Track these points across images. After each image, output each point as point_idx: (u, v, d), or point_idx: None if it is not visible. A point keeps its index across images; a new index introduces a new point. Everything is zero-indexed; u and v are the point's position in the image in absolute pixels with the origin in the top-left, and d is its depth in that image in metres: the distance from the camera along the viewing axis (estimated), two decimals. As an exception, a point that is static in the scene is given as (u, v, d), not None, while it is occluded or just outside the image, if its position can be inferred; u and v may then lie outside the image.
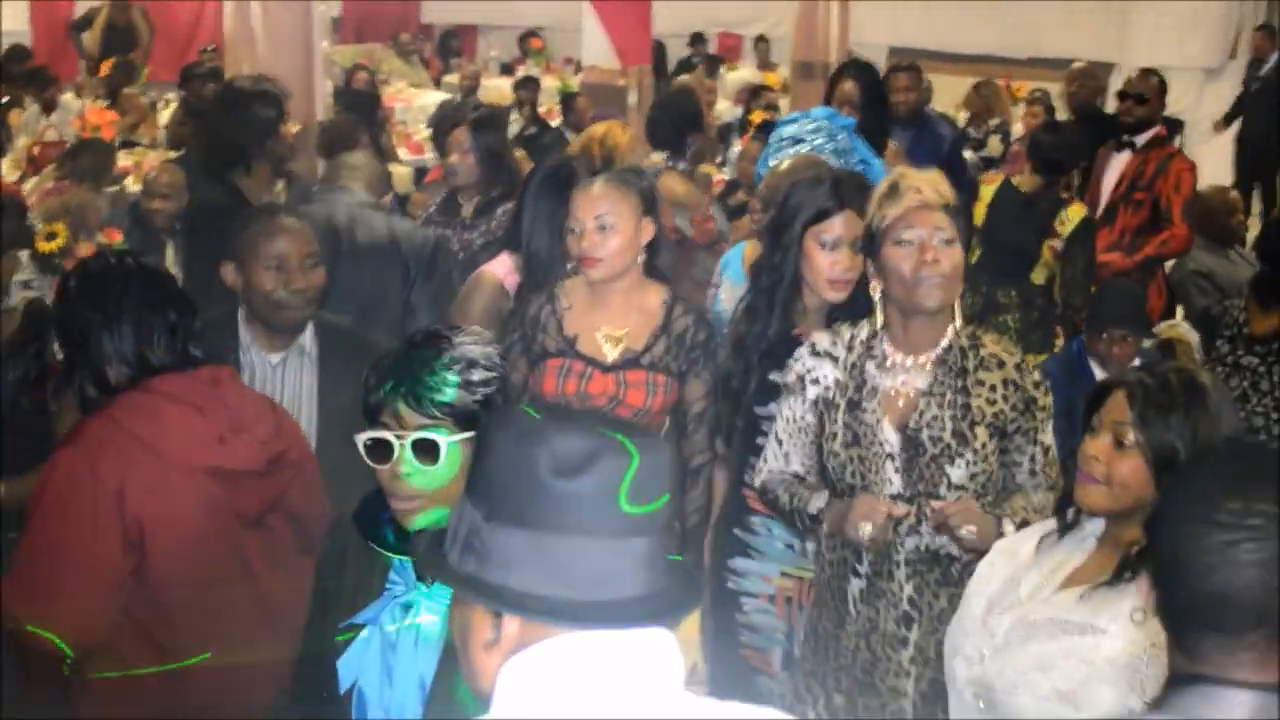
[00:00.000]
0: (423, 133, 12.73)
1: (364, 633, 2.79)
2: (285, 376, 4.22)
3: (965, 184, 7.39)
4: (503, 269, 4.96)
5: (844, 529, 3.56)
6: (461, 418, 2.70)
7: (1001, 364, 3.62)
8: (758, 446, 3.96)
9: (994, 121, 12.03)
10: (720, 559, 4.38)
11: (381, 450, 2.70)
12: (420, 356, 2.73)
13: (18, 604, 3.11)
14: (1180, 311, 7.92)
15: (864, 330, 3.74)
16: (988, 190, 7.20)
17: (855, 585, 3.68)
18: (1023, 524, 3.46)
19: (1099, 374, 5.68)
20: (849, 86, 7.14)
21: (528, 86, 13.53)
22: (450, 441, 2.69)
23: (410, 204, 7.62)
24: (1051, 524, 3.20)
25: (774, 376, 4.04)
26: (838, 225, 4.08)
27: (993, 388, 3.59)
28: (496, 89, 14.80)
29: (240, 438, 3.35)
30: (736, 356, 4.31)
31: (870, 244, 3.66)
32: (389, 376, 2.72)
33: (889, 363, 3.67)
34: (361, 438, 2.72)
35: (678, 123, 7.08)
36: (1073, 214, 7.02)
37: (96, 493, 3.13)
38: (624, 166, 5.22)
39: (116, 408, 3.26)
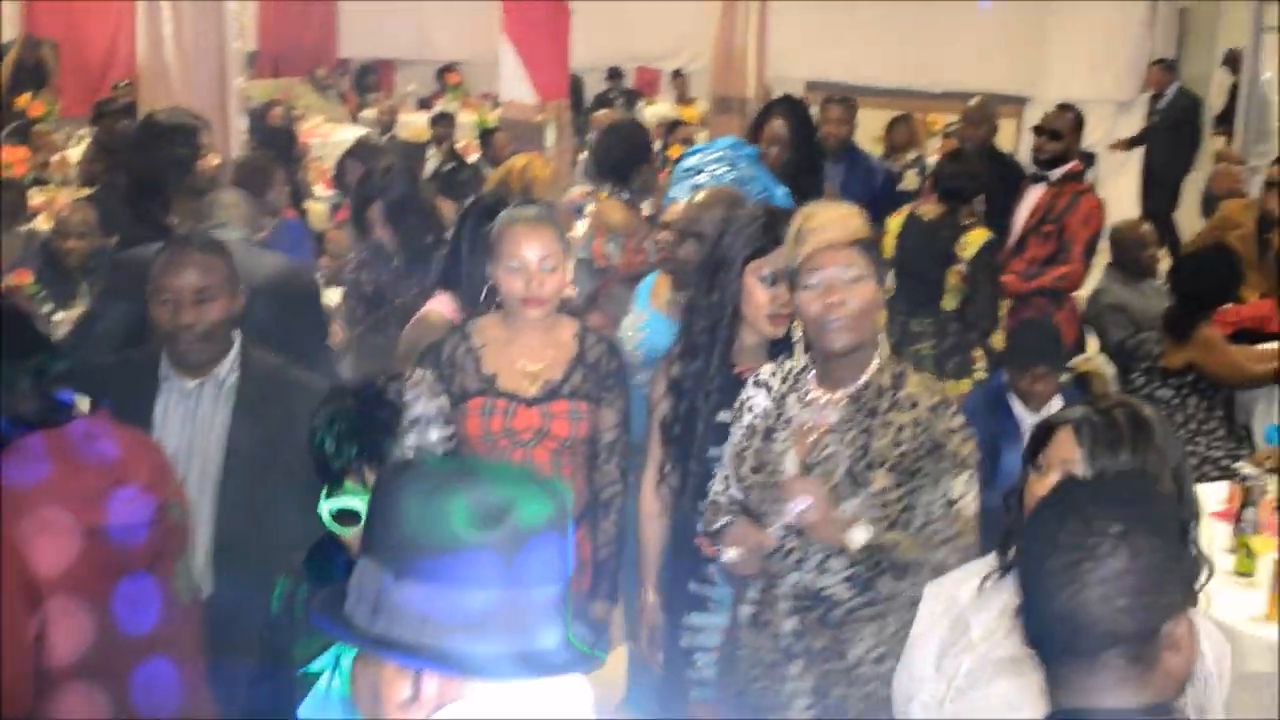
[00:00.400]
0: (340, 168, 12.69)
1: (322, 680, 2.78)
2: (200, 403, 4.17)
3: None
4: (447, 308, 4.93)
5: (721, 549, 3.62)
6: None
7: (915, 404, 3.59)
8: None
9: (910, 156, 12.12)
10: (673, 618, 4.36)
11: (349, 516, 2.73)
12: (379, 420, 2.75)
13: None
14: (1095, 345, 8.02)
15: (800, 364, 3.76)
16: (894, 223, 7.29)
17: (745, 612, 3.72)
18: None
19: (1019, 410, 5.72)
20: (778, 124, 7.18)
21: (443, 122, 13.50)
22: None
23: (327, 240, 7.58)
24: (990, 563, 3.16)
25: (723, 416, 4.06)
26: (777, 260, 4.07)
27: (900, 429, 3.56)
28: (413, 124, 14.77)
29: (123, 491, 3.28)
30: (677, 399, 4.31)
31: (789, 283, 3.67)
32: (350, 442, 2.73)
33: (809, 397, 3.68)
34: (328, 507, 2.74)
35: (624, 154, 7.12)
36: (973, 239, 7.10)
37: None
38: (542, 200, 5.23)
39: None
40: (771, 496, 3.62)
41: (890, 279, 7.04)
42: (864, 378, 3.63)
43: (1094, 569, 2.02)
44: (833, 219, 3.58)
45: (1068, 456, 2.95)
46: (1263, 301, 8.68)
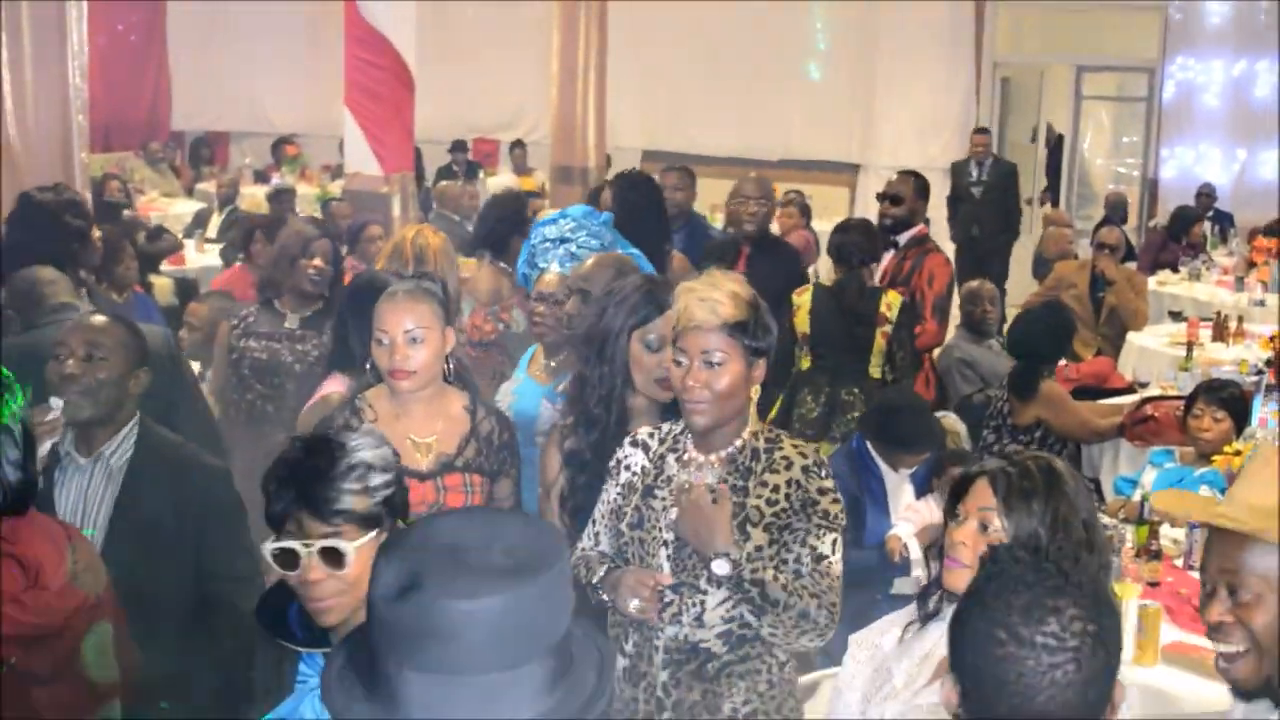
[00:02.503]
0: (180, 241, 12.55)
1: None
2: (91, 479, 4.14)
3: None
4: (343, 388, 4.91)
5: (615, 599, 3.65)
6: (364, 521, 2.78)
7: (790, 464, 3.69)
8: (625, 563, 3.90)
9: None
10: None
11: (289, 558, 2.75)
12: (316, 467, 2.78)
13: None
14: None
15: (679, 426, 3.84)
16: (804, 299, 7.26)
17: (621, 664, 3.76)
18: (747, 582, 3.52)
19: (883, 468, 5.83)
20: (606, 195, 7.42)
21: (282, 198, 13.33)
22: (354, 546, 2.75)
23: (189, 314, 7.51)
24: (911, 613, 3.30)
25: None
26: (661, 326, 4.15)
27: (775, 488, 3.65)
28: (253, 197, 14.64)
29: (36, 597, 3.20)
30: (576, 471, 4.33)
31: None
32: (288, 487, 2.77)
33: (686, 457, 3.77)
34: (268, 547, 2.76)
35: (501, 224, 7.39)
36: (894, 299, 7.19)
37: None
38: (432, 270, 5.26)
39: None
40: (650, 551, 3.70)
41: (805, 356, 7.15)
42: (739, 441, 3.73)
43: (1046, 670, 2.10)
44: (706, 299, 3.64)
45: (984, 504, 3.10)
46: (1100, 359, 9.02)
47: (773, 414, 6.99)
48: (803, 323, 7.12)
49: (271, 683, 2.92)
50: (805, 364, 7.09)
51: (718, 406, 3.64)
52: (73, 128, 8.40)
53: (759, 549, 3.60)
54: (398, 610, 1.77)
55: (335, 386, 4.97)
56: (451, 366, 4.44)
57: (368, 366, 4.50)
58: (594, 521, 3.93)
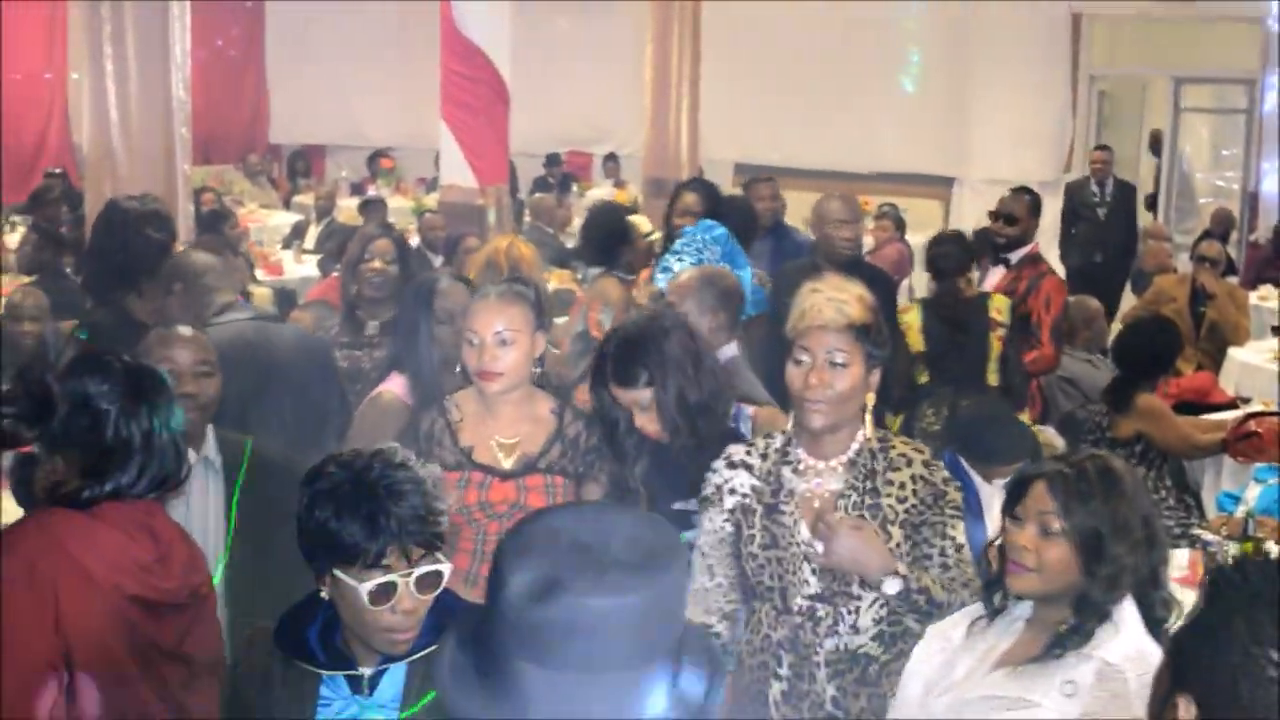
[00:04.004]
0: (279, 253, 12.73)
1: None
2: (192, 485, 4.16)
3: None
4: (399, 389, 4.96)
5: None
6: (443, 538, 2.84)
7: (909, 461, 3.70)
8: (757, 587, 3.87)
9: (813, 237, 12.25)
10: None
11: (387, 592, 2.77)
12: (411, 498, 2.79)
13: None
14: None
15: (778, 439, 3.82)
16: (911, 316, 7.21)
17: (776, 688, 3.72)
18: (914, 592, 3.51)
19: (977, 480, 5.78)
20: (690, 198, 7.41)
21: (372, 208, 13.47)
22: (450, 566, 2.83)
23: (292, 321, 7.58)
24: (980, 609, 3.31)
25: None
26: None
27: (902, 485, 3.66)
28: (349, 209, 14.81)
29: (165, 569, 3.28)
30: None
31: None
32: (388, 521, 2.75)
33: (803, 466, 3.75)
34: (367, 587, 2.76)
35: (607, 237, 7.44)
36: (1001, 302, 7.14)
37: (35, 598, 3.05)
38: (522, 278, 5.29)
39: (55, 522, 3.19)
40: (791, 569, 3.68)
41: (923, 371, 7.10)
42: (855, 444, 3.72)
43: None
44: (832, 299, 3.65)
45: (1043, 508, 3.11)
46: (1201, 374, 8.90)
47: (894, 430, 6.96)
48: (916, 341, 7.07)
49: (293, 709, 2.93)
50: (924, 379, 7.05)
51: (836, 408, 3.63)
52: (176, 139, 8.49)
53: (898, 546, 3.61)
54: (537, 611, 1.76)
55: (390, 386, 5.02)
56: (539, 371, 4.47)
57: (451, 368, 4.55)
58: (703, 555, 3.87)
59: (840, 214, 7.29)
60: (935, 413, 6.90)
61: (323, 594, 2.90)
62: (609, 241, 7.51)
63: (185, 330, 4.29)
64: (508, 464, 4.34)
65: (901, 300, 8.97)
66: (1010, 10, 15.89)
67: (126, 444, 3.24)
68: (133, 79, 8.18)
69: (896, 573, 3.51)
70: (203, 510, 4.17)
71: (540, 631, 1.77)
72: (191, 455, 4.18)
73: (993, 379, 6.97)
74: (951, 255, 7.27)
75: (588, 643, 1.76)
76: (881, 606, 3.62)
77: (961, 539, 3.66)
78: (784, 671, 3.71)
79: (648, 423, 4.15)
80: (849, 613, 3.64)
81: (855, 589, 3.63)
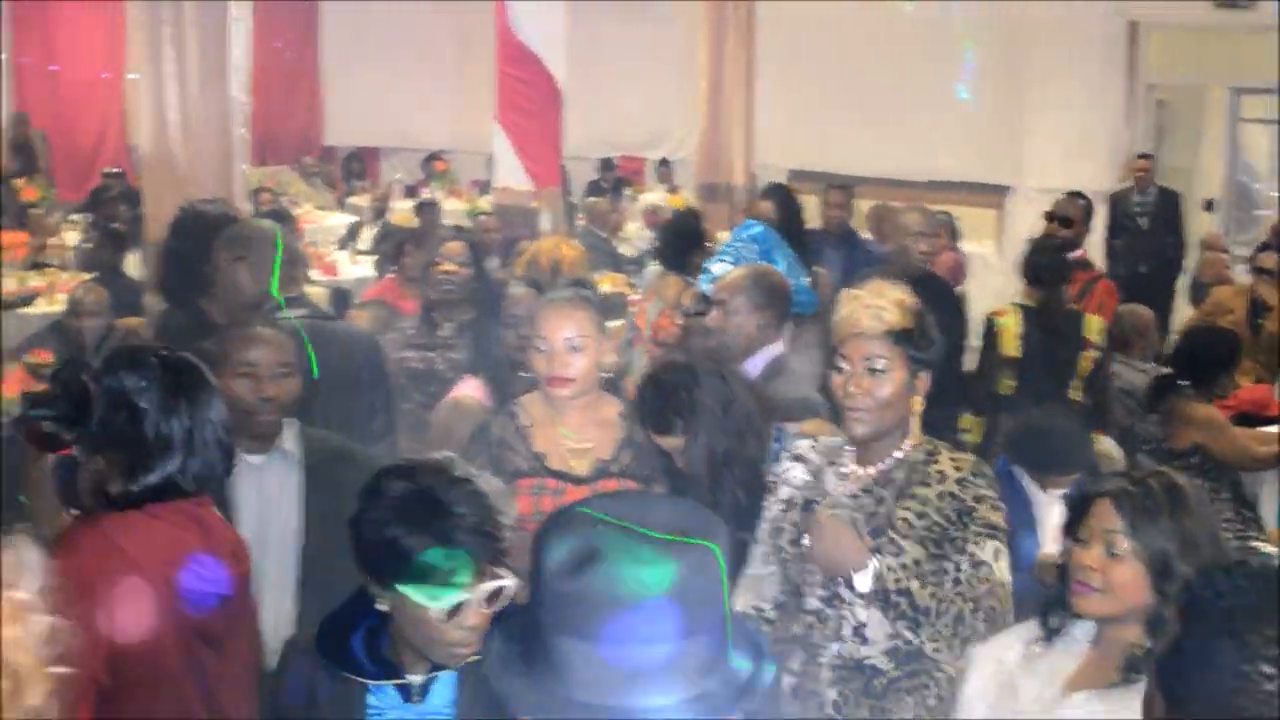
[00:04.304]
0: (334, 254, 12.78)
1: None
2: (268, 477, 4.23)
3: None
4: (477, 391, 4.98)
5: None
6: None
7: (944, 478, 3.65)
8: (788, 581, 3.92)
9: (889, 247, 12.22)
10: None
11: (457, 609, 2.77)
12: (481, 516, 2.79)
13: None
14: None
15: (840, 440, 3.82)
16: (1009, 320, 7.18)
17: (787, 682, 3.74)
18: (892, 593, 3.50)
19: (1032, 489, 5.74)
20: (764, 206, 7.42)
21: (427, 210, 13.53)
22: (515, 578, 2.79)
23: (349, 320, 7.63)
24: (1033, 629, 3.26)
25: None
26: None
27: (925, 500, 3.62)
28: (403, 211, 14.85)
29: (214, 563, 3.29)
30: None
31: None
32: (461, 541, 2.76)
33: (845, 471, 3.75)
34: (441, 606, 2.75)
35: (679, 239, 7.57)
36: (1096, 323, 7.11)
37: (86, 608, 3.00)
38: (573, 279, 5.30)
39: (105, 523, 3.20)
40: (810, 569, 3.69)
41: (1009, 379, 7.06)
42: (898, 454, 3.71)
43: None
44: (870, 305, 3.63)
45: (1109, 526, 3.04)
46: (1259, 386, 8.79)
47: (975, 437, 6.95)
48: (1010, 346, 7.03)
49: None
50: (1007, 387, 7.00)
51: (878, 415, 3.62)
52: (234, 140, 8.57)
53: (916, 562, 3.56)
54: (573, 583, 1.78)
55: (468, 389, 5.03)
56: (606, 376, 4.49)
57: (523, 374, 4.56)
58: (758, 542, 3.89)
59: (919, 226, 7.33)
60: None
61: (379, 606, 2.87)
62: (680, 242, 7.62)
63: (265, 331, 4.31)
64: (581, 470, 4.35)
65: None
66: (1067, 18, 15.74)
67: (166, 441, 3.24)
68: (192, 80, 8.26)
69: (867, 569, 3.50)
70: (278, 501, 4.21)
71: (578, 604, 1.77)
72: (255, 459, 4.23)
73: (1075, 395, 6.92)
74: (1054, 264, 7.23)
75: (626, 614, 1.76)
76: (894, 621, 3.58)
77: (985, 557, 3.57)
78: (795, 667, 3.72)
79: (687, 465, 4.24)
80: (854, 620, 3.62)
81: (848, 595, 3.61)
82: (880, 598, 3.53)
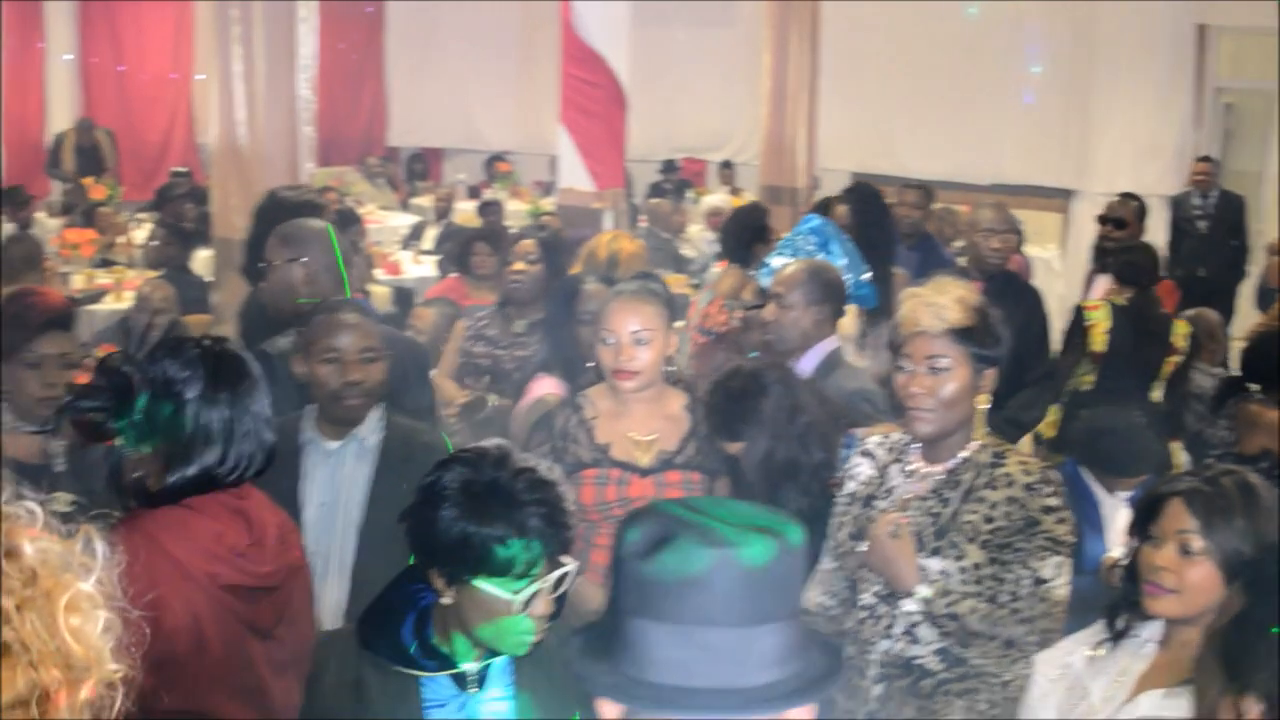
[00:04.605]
0: (398, 253, 12.85)
1: None
2: (342, 463, 4.25)
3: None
4: (557, 389, 5.00)
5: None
6: None
7: (1011, 482, 3.60)
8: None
9: (959, 244, 12.17)
10: None
11: (533, 599, 2.77)
12: (553, 505, 2.78)
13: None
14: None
15: (909, 436, 3.79)
16: (1100, 314, 7.14)
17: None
18: (941, 615, 3.50)
19: (1099, 492, 5.69)
20: (840, 210, 7.38)
21: (490, 210, 13.58)
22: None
23: (415, 318, 7.67)
24: (1097, 632, 3.23)
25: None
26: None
27: (994, 505, 3.58)
28: (466, 212, 14.92)
29: (259, 554, 3.30)
30: None
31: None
32: (539, 532, 2.75)
33: (910, 469, 3.73)
34: (521, 598, 2.75)
35: (744, 232, 7.55)
36: (1185, 328, 7.08)
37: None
38: (639, 273, 5.31)
39: (147, 520, 3.18)
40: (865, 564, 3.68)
41: (1090, 375, 7.03)
42: (964, 453, 3.68)
43: None
44: (932, 303, 3.60)
45: (1182, 526, 3.00)
46: (1329, 391, 8.66)
47: (1052, 434, 6.91)
48: (1099, 342, 6.98)
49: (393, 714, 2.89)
50: (1086, 381, 6.96)
51: (941, 414, 3.60)
52: (299, 138, 8.63)
53: (976, 566, 3.53)
54: (651, 564, 1.80)
55: (546, 387, 5.04)
56: (673, 369, 4.49)
57: (589, 365, 4.57)
58: (827, 537, 3.88)
59: (990, 222, 7.11)
60: None
61: (444, 600, 2.84)
62: (743, 235, 7.63)
63: (350, 316, 4.31)
64: (646, 461, 4.37)
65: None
66: (1134, 21, 15.64)
67: (206, 431, 3.21)
68: (259, 78, 8.32)
69: (916, 594, 3.52)
70: (349, 487, 4.22)
71: (657, 585, 1.80)
72: (331, 444, 4.26)
73: (1156, 397, 6.89)
74: (1146, 265, 7.18)
75: (702, 594, 1.78)
76: (943, 636, 3.57)
77: (1047, 574, 3.53)
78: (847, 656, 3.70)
79: (748, 471, 4.25)
80: (905, 619, 3.60)
81: (900, 594, 3.60)
82: (929, 617, 3.53)
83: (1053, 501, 3.59)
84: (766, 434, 4.20)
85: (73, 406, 3.19)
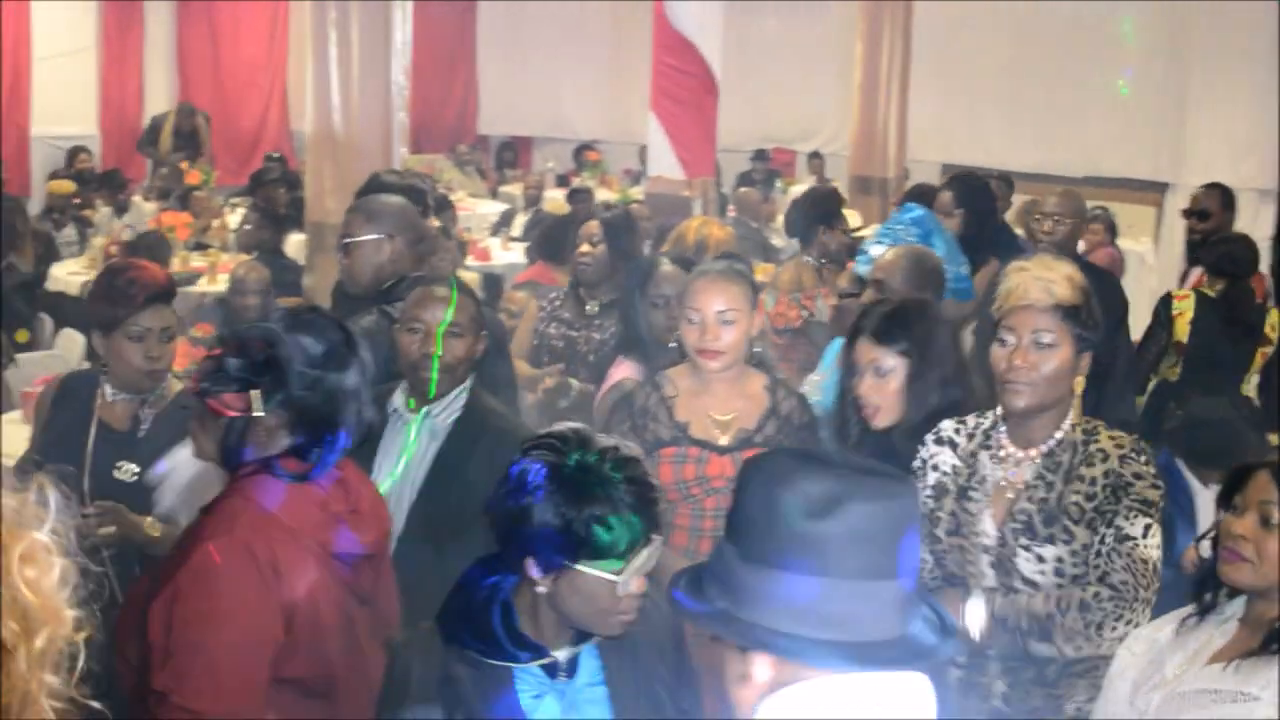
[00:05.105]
0: (487, 240, 12.93)
1: None
2: (416, 436, 4.28)
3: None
4: (635, 373, 5.02)
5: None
6: None
7: (1106, 456, 3.56)
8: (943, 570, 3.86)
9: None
10: None
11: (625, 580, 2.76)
12: (646, 483, 2.78)
13: (170, 683, 3.01)
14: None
15: (988, 420, 3.75)
16: (1185, 304, 7.09)
17: (954, 675, 3.66)
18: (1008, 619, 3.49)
19: (1193, 482, 5.64)
20: (945, 197, 7.29)
21: (579, 197, 13.62)
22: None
23: (508, 300, 7.71)
24: (1189, 607, 3.22)
25: None
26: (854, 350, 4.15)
27: (1092, 481, 3.54)
28: (555, 199, 14.98)
29: (359, 521, 3.32)
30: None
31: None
32: (639, 513, 2.75)
33: (1002, 454, 3.67)
34: (624, 579, 2.75)
35: (810, 216, 7.38)
36: (1276, 318, 7.04)
37: (258, 574, 3.07)
38: (738, 255, 5.31)
39: (253, 490, 3.19)
40: (971, 558, 3.62)
41: (1175, 366, 6.98)
42: (1059, 434, 3.63)
43: None
44: (1040, 277, 3.58)
45: (1266, 497, 3.01)
46: None
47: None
48: (1182, 332, 6.93)
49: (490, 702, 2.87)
50: (1171, 371, 6.91)
51: (1040, 390, 3.55)
52: (394, 124, 8.68)
53: (1085, 547, 3.50)
54: (828, 521, 1.83)
55: (626, 372, 5.06)
56: (756, 351, 4.50)
57: (672, 344, 4.58)
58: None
59: (1046, 206, 6.97)
60: (1178, 411, 6.75)
61: (539, 589, 2.81)
62: (811, 216, 7.47)
63: (441, 290, 4.35)
64: (724, 440, 4.36)
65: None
66: (1230, 12, 15.43)
67: (341, 400, 3.22)
68: (355, 64, 8.38)
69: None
70: (417, 462, 4.27)
71: (827, 540, 1.83)
72: (411, 416, 4.30)
73: (1248, 390, 6.81)
74: (1243, 255, 7.11)
75: (869, 549, 1.83)
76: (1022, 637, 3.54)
77: (1134, 533, 3.46)
78: (961, 659, 3.64)
79: (874, 390, 4.06)
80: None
81: (1015, 581, 3.55)
82: (1001, 624, 3.53)
83: (1145, 468, 3.55)
84: (930, 353, 4.05)
85: (217, 379, 3.17)
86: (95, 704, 1.67)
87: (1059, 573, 3.51)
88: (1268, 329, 6.91)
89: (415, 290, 4.39)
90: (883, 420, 4.06)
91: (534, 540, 2.76)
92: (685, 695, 3.06)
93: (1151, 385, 7.08)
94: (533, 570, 2.80)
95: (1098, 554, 3.48)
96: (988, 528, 3.61)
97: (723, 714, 1.95)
